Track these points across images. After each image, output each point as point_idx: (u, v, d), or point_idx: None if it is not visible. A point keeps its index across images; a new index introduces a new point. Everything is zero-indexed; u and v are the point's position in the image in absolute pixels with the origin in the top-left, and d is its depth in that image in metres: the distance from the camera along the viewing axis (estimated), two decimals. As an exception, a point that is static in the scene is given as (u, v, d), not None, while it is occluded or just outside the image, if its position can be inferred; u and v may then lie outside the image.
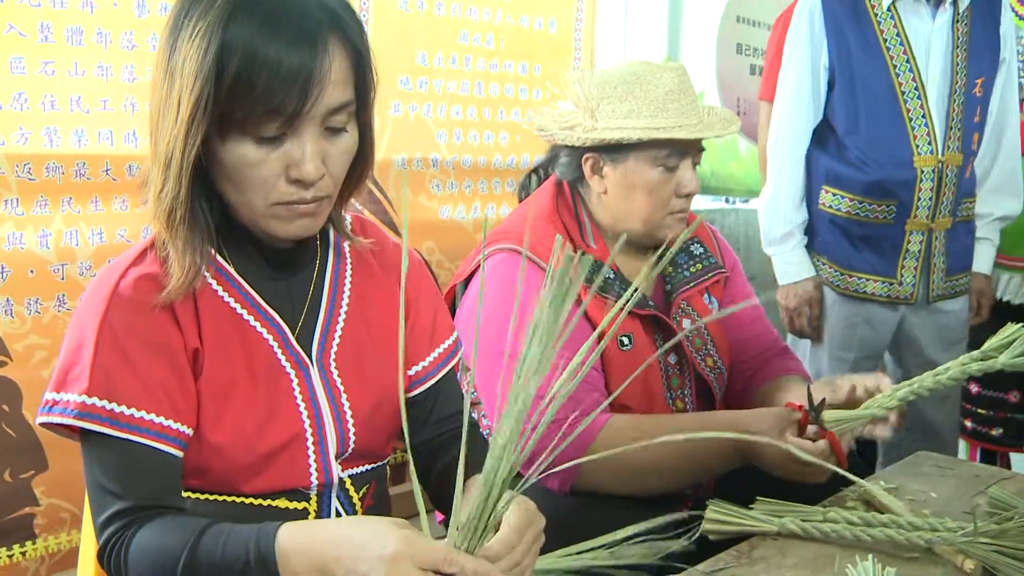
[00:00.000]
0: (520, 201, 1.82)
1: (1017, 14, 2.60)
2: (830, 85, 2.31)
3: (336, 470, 1.16)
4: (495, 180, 2.86)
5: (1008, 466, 2.85)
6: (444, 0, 2.63)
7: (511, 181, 2.89)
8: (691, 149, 1.63)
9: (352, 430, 1.16)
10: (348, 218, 1.25)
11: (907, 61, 2.25)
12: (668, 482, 1.53)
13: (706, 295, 1.77)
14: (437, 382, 1.28)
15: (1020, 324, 1.44)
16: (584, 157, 1.65)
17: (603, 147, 1.62)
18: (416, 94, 2.60)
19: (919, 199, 2.27)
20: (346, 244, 1.24)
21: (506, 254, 1.61)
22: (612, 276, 1.64)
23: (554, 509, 1.13)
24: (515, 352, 0.89)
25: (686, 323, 1.71)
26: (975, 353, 1.43)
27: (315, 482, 1.14)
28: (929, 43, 2.27)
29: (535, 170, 1.83)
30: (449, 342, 1.31)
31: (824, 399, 1.46)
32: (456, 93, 2.70)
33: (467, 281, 1.69)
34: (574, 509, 1.45)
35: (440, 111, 2.67)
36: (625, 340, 1.62)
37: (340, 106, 1.03)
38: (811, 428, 1.46)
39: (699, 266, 1.76)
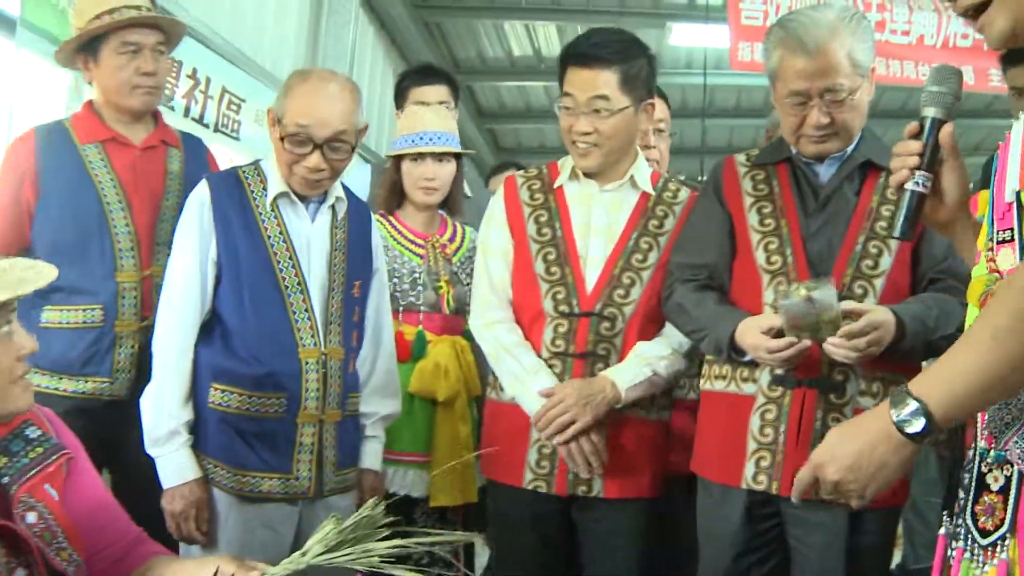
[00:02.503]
0: None
1: (395, 239, 2.85)
2: (218, 279, 2.29)
3: None
4: None
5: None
6: None
7: None
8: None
9: None
10: None
11: (290, 258, 2.33)
12: None
13: (48, 485, 1.65)
14: None
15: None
16: None
17: None
18: None
19: (307, 390, 2.30)
20: None
21: None
22: None
23: None
24: None
25: (31, 517, 1.58)
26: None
27: None
28: (310, 242, 2.37)
29: None
30: None
31: None
32: None
33: None
34: None
35: None
36: None
37: None
38: None
39: (39, 450, 1.65)
